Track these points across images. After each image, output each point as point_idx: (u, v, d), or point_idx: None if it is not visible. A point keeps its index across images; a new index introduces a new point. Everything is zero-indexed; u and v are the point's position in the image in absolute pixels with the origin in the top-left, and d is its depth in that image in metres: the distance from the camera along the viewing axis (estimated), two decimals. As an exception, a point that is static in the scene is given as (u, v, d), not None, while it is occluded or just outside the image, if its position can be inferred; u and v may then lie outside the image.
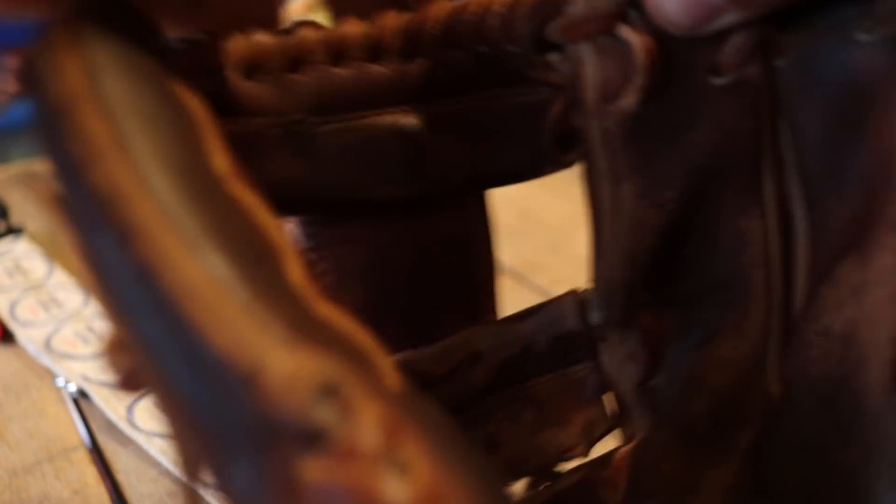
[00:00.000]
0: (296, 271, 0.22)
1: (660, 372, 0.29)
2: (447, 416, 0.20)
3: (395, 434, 0.18)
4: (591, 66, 0.27)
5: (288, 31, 0.30)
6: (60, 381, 0.54)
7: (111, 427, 0.50)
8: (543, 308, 0.31)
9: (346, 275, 0.31)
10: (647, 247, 0.28)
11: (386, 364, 0.21)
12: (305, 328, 0.19)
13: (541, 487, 0.31)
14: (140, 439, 0.49)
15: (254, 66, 0.29)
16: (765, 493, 0.28)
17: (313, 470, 0.17)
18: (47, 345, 0.57)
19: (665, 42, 0.26)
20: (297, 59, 0.29)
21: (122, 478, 0.47)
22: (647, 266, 0.29)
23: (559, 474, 0.31)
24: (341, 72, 0.30)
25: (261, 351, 0.18)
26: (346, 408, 0.18)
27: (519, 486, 0.32)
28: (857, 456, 0.25)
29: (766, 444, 0.28)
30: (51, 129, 0.21)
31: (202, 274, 0.19)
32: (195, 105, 0.23)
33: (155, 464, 0.48)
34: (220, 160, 0.23)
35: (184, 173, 0.21)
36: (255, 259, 0.20)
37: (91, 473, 0.48)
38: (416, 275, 0.32)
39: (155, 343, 0.19)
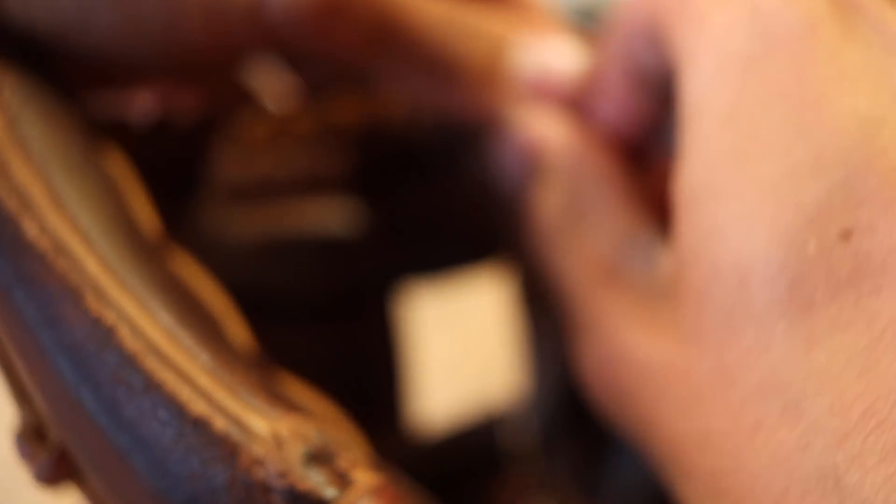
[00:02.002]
0: (242, 337, 0.20)
1: (605, 478, 0.28)
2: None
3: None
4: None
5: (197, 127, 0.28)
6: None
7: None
8: (464, 434, 0.30)
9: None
10: None
11: (355, 431, 0.19)
12: (274, 392, 0.17)
13: None
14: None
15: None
16: None
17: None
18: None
19: None
20: (204, 150, 0.28)
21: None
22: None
23: None
24: (254, 163, 0.28)
25: (239, 414, 0.16)
26: (342, 476, 0.16)
27: None
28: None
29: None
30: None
31: (163, 334, 0.17)
32: (118, 159, 0.21)
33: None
34: (148, 219, 0.21)
35: (119, 230, 0.19)
36: (203, 321, 0.18)
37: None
38: (325, 382, 0.30)
39: (106, 408, 0.17)
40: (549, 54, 0.24)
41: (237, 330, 0.20)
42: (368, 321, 0.30)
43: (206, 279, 0.20)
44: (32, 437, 0.19)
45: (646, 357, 0.18)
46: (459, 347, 0.49)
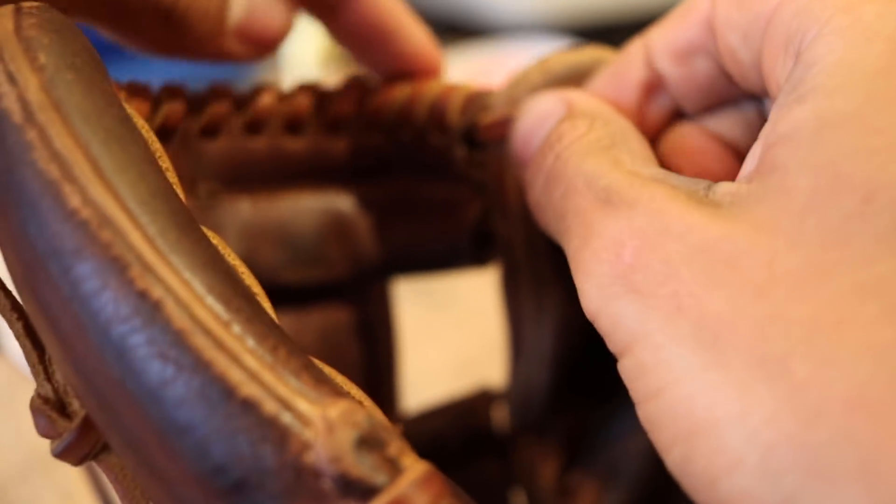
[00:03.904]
0: (274, 317, 0.19)
1: (579, 466, 0.28)
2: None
3: (440, 496, 0.16)
4: (512, 169, 0.27)
5: (201, 98, 0.28)
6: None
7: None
8: (453, 407, 0.30)
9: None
10: (572, 348, 0.28)
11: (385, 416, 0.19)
12: (319, 376, 0.17)
13: None
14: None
15: (164, 130, 0.26)
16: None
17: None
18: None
19: None
20: (210, 127, 0.27)
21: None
22: (571, 367, 0.28)
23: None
24: (255, 142, 0.28)
25: (288, 398, 0.16)
26: (392, 463, 0.16)
27: None
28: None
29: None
30: (5, 141, 0.18)
31: (209, 313, 0.17)
32: (147, 128, 0.21)
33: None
34: (181, 192, 0.20)
35: (161, 202, 0.18)
36: (246, 300, 0.18)
37: (79, 482, 0.43)
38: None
39: (151, 385, 0.16)
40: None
41: (268, 307, 0.19)
42: (364, 305, 0.30)
43: (236, 258, 0.20)
44: (53, 410, 0.19)
45: (703, 236, 0.18)
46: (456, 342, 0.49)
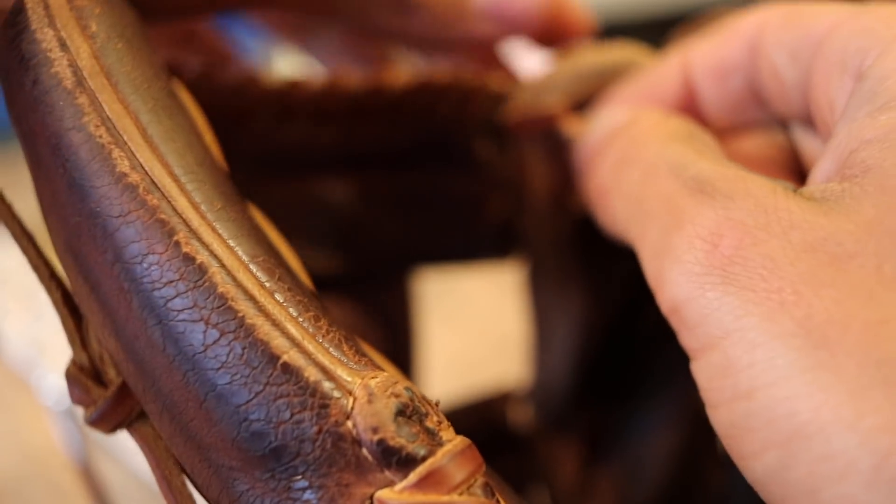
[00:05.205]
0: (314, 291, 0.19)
1: (601, 464, 0.28)
2: None
3: (477, 469, 0.16)
4: (539, 166, 0.27)
5: (234, 86, 0.28)
6: (47, 399, 0.46)
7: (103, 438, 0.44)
8: (470, 405, 0.30)
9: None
10: (595, 346, 0.28)
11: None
12: (359, 348, 0.17)
13: None
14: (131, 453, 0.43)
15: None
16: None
17: (393, 495, 0.15)
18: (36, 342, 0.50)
19: None
20: (242, 115, 0.28)
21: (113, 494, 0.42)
22: (594, 365, 0.28)
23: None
24: (285, 132, 0.28)
25: (330, 366, 0.16)
26: (432, 435, 0.16)
27: None
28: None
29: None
30: (55, 105, 0.18)
31: (253, 280, 0.17)
32: (192, 102, 0.21)
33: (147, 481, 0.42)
34: (224, 165, 0.20)
35: (206, 171, 0.18)
36: (287, 272, 0.18)
37: (76, 483, 0.42)
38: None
39: (193, 349, 0.16)
40: None
41: (311, 285, 0.19)
42: (385, 295, 0.30)
43: (277, 233, 0.20)
44: (88, 378, 0.19)
45: (807, 234, 0.17)
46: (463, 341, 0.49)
